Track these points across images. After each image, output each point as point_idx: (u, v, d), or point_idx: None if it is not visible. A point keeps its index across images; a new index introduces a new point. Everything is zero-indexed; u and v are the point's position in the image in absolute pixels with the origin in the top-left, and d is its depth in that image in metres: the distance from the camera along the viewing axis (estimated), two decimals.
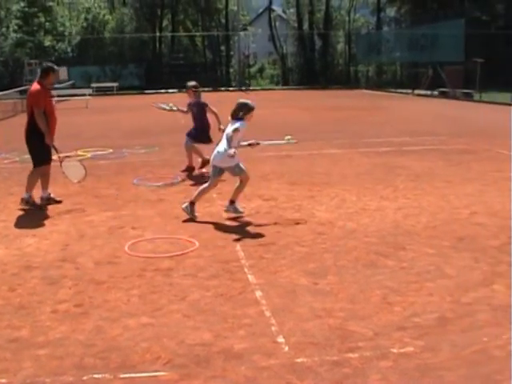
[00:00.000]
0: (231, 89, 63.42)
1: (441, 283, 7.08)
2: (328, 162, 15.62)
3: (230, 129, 9.79)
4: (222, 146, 9.83)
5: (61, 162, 11.56)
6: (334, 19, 75.85)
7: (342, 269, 7.61)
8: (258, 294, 6.81)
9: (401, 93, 51.38)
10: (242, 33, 71.46)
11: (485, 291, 6.85)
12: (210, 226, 9.75)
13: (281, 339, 5.68)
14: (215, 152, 10.08)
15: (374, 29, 73.98)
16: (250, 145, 10.38)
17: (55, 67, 11.60)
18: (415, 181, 12.96)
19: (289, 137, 10.48)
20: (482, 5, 56.66)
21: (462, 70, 46.94)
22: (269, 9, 78.85)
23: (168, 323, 6.09)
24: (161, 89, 57.12)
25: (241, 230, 9.47)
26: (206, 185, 10.44)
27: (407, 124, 24.99)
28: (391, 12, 76.07)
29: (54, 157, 11.56)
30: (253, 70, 74.63)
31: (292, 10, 78.39)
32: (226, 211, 10.36)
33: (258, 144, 10.49)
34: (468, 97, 43.33)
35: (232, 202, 10.29)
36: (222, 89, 61.49)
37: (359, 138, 20.32)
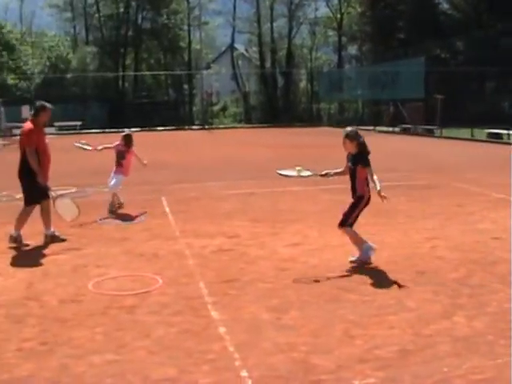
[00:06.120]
0: (194, 127, 63.61)
1: (402, 316, 7.18)
2: (291, 199, 15.74)
3: None
4: None
5: (54, 200, 11.52)
6: (296, 57, 76.55)
7: (305, 304, 7.69)
8: (222, 329, 6.86)
9: (363, 130, 51.65)
10: (204, 71, 71.91)
11: (445, 323, 6.96)
12: (174, 263, 9.80)
13: (244, 373, 5.74)
14: None
15: (336, 67, 74.72)
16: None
17: (47, 105, 11.47)
18: (377, 216, 13.05)
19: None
20: (442, 42, 57.59)
21: (423, 107, 47.57)
22: (231, 47, 79.50)
23: (133, 359, 6.12)
24: (124, 127, 57.09)
25: (204, 267, 9.51)
26: None
27: None
28: (352, 50, 77.02)
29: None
30: (216, 108, 74.87)
31: (254, 49, 79.01)
32: None
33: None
34: (429, 133, 43.91)
35: None
36: (186, 127, 61.68)
37: None
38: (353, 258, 9.65)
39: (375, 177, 9.35)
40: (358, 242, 9.65)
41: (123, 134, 14.97)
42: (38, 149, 11.17)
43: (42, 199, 11.43)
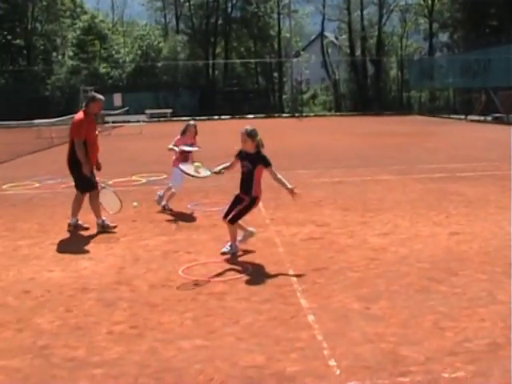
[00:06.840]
0: (284, 115, 63.74)
1: (493, 309, 7.05)
2: (381, 188, 15.63)
3: None
4: None
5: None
6: (386, 45, 75.92)
7: (395, 294, 7.63)
8: (311, 318, 6.87)
9: (454, 118, 51.17)
10: (294, 59, 71.86)
11: None
12: (264, 250, 9.84)
13: (333, 362, 5.72)
14: None
15: (427, 54, 73.77)
16: None
17: (98, 96, 11.60)
18: (468, 207, 12.90)
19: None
20: None
21: None
22: (321, 35, 79.38)
23: (221, 346, 6.17)
24: (214, 115, 57.61)
25: (294, 255, 9.53)
26: None
27: (460, 150, 24.93)
28: (443, 37, 75.78)
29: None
30: (306, 96, 74.92)
31: (344, 37, 78.75)
32: None
33: None
34: None
35: None
36: (275, 115, 61.87)
37: (412, 164, 20.28)
38: (225, 250, 9.79)
39: (279, 175, 9.45)
40: (235, 237, 9.84)
41: (190, 124, 13.73)
42: (88, 140, 11.28)
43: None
